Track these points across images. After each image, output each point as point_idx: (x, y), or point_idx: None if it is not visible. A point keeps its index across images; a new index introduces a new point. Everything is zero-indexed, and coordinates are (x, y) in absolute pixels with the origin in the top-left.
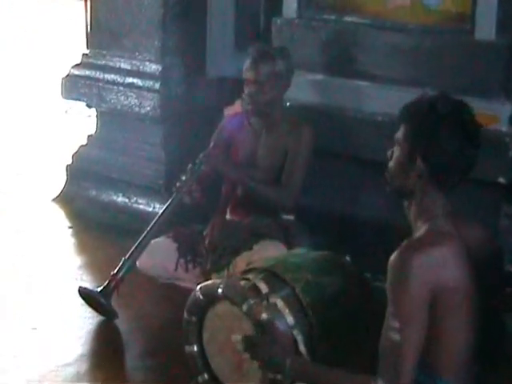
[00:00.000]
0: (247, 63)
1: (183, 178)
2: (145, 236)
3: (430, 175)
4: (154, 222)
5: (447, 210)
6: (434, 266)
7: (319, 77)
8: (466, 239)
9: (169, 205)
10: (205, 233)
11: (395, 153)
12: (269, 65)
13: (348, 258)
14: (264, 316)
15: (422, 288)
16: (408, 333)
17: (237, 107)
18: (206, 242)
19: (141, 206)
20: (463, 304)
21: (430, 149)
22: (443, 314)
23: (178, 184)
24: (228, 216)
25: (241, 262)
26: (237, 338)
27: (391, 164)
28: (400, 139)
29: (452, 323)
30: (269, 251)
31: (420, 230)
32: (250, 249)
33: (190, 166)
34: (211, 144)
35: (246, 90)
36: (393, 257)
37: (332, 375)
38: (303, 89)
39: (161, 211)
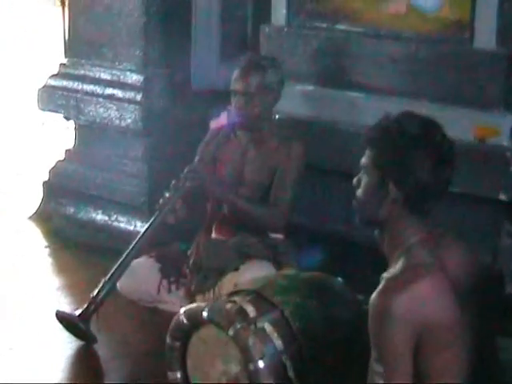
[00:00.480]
0: (236, 74)
1: (166, 195)
2: (126, 256)
3: (404, 200)
4: (135, 241)
5: (425, 235)
6: (417, 305)
7: (310, 88)
8: (450, 262)
9: (151, 223)
10: (189, 252)
11: (363, 180)
12: (259, 76)
13: (340, 280)
14: (251, 341)
15: (406, 331)
16: (392, 377)
17: (223, 120)
18: (191, 262)
19: (121, 225)
20: (454, 339)
21: (402, 173)
22: (433, 352)
23: (161, 201)
24: (213, 235)
25: (227, 284)
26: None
27: (360, 192)
28: (368, 165)
29: (443, 360)
30: (256, 272)
31: (397, 263)
32: (237, 269)
33: (173, 182)
34: (196, 159)
35: (234, 102)
36: (372, 299)
37: None
38: (293, 100)
39: (143, 230)
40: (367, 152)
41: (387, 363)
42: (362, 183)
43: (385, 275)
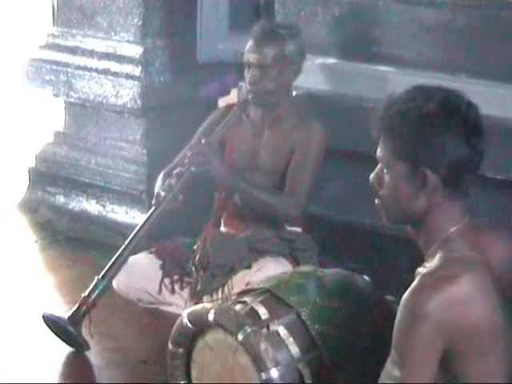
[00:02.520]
0: (250, 43)
1: (170, 182)
2: (122, 251)
3: (444, 184)
4: (133, 234)
5: (464, 224)
6: (455, 306)
7: (332, 61)
8: (491, 256)
9: (151, 214)
10: (195, 248)
11: (387, 176)
12: (277, 46)
13: (366, 278)
14: (263, 347)
15: (438, 334)
16: None
17: (233, 97)
18: (197, 258)
19: (118, 216)
20: (493, 345)
21: (435, 155)
22: (468, 360)
23: (161, 191)
24: (222, 228)
25: (238, 283)
26: None
27: (385, 191)
28: (389, 158)
29: (479, 368)
30: (271, 270)
31: (434, 257)
32: (249, 267)
33: (177, 170)
34: (202, 141)
35: (247, 76)
36: (405, 296)
37: None
38: (313, 75)
39: (141, 223)
40: (384, 143)
41: (407, 368)
42: (385, 180)
43: (420, 270)
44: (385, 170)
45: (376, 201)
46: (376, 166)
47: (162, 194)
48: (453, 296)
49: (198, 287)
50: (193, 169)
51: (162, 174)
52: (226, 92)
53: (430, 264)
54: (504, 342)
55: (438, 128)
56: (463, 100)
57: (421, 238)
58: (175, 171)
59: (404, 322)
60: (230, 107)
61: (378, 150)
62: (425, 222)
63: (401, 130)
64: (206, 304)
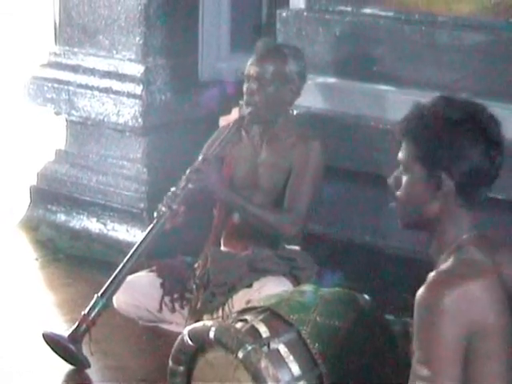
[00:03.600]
0: (252, 58)
1: (167, 199)
2: (121, 269)
3: (457, 191)
4: (132, 252)
5: (475, 234)
6: (469, 303)
7: (332, 80)
8: (502, 265)
9: (150, 232)
10: (195, 266)
11: (405, 178)
12: (278, 63)
13: (366, 297)
14: (263, 365)
15: (457, 329)
16: (439, 381)
17: (234, 116)
18: (197, 277)
19: (119, 234)
20: (501, 348)
21: (453, 159)
22: (479, 360)
23: (161, 208)
24: (222, 247)
25: (238, 302)
26: None
27: (402, 193)
28: (408, 160)
29: (489, 369)
30: (272, 289)
31: (446, 261)
32: (249, 286)
33: (176, 186)
34: (200, 158)
35: (245, 88)
36: (420, 293)
37: None
38: (312, 94)
39: (140, 239)
40: (405, 146)
41: (434, 364)
42: (403, 182)
43: (433, 272)
44: (403, 172)
45: (393, 204)
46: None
47: (163, 209)
48: (467, 293)
49: (199, 306)
50: (191, 186)
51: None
52: (226, 111)
53: (444, 265)
54: (507, 349)
55: (458, 134)
56: (486, 112)
57: (433, 243)
58: (172, 188)
59: (423, 319)
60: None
61: (400, 152)
62: (437, 228)
63: (422, 132)
64: (206, 322)
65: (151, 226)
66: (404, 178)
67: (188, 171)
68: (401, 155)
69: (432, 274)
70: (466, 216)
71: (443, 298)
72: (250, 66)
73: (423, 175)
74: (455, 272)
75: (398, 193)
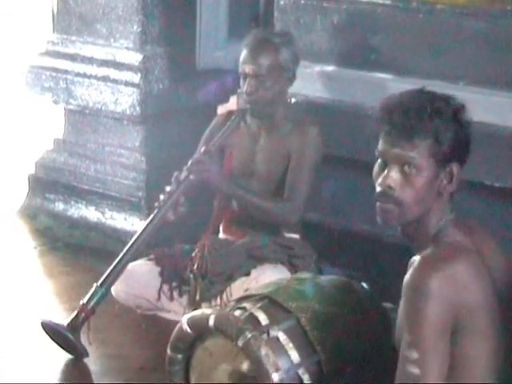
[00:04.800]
0: (244, 54)
1: (168, 189)
2: (121, 258)
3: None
4: (132, 241)
5: (453, 217)
6: (456, 286)
7: (330, 68)
8: (481, 247)
9: (150, 221)
10: (193, 254)
11: (418, 177)
12: (271, 55)
13: (364, 285)
14: (263, 352)
15: (444, 312)
16: (429, 365)
17: (231, 105)
18: (195, 265)
19: (117, 223)
20: (488, 325)
21: (463, 148)
22: (467, 340)
23: (161, 197)
24: (221, 235)
25: (236, 290)
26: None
27: (412, 193)
28: (422, 157)
29: (477, 349)
30: (270, 277)
31: (429, 245)
32: (248, 274)
33: (175, 175)
34: (201, 149)
35: (244, 86)
36: (407, 277)
37: None
38: (311, 82)
39: (140, 229)
40: (418, 143)
41: (423, 346)
42: (413, 181)
43: (414, 258)
44: (413, 170)
45: (389, 207)
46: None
47: (161, 200)
48: (452, 274)
49: (197, 294)
50: (192, 177)
51: None
52: (224, 99)
53: (427, 250)
54: (497, 323)
55: (460, 123)
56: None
57: (417, 234)
58: (174, 177)
59: (410, 302)
60: (230, 114)
61: (410, 150)
62: (425, 218)
63: (439, 127)
64: (205, 310)
65: (151, 216)
66: (414, 177)
67: (190, 162)
68: (411, 154)
69: (418, 258)
70: (448, 201)
71: (430, 280)
72: (244, 64)
73: (434, 171)
74: (440, 255)
75: (403, 194)
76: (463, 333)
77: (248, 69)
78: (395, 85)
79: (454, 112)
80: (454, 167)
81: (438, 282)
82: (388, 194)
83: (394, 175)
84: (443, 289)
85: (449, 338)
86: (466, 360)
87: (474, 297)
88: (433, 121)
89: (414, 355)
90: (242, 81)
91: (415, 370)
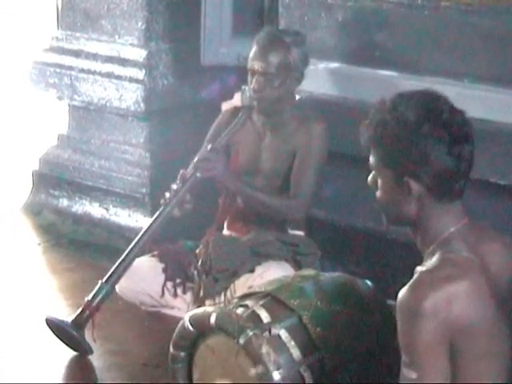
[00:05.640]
0: (254, 51)
1: (174, 187)
2: (126, 256)
3: (429, 193)
4: (137, 238)
5: (462, 225)
6: (452, 305)
7: (335, 65)
8: (489, 258)
9: (156, 219)
10: (197, 251)
11: (379, 181)
12: (281, 54)
13: (368, 283)
14: (264, 350)
15: (438, 330)
16: (427, 380)
17: (236, 101)
18: (199, 262)
19: (121, 219)
20: (490, 348)
21: (416, 166)
22: (465, 362)
23: (167, 194)
24: (225, 231)
25: (240, 287)
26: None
27: (379, 194)
28: (378, 165)
29: (476, 371)
30: (274, 274)
31: (432, 257)
32: (252, 271)
33: (181, 172)
34: (208, 146)
35: (252, 84)
36: (402, 294)
37: None
38: (316, 79)
39: (146, 226)
40: (372, 151)
41: (419, 367)
42: (378, 184)
43: (419, 268)
44: (377, 175)
45: (375, 204)
46: None
47: (167, 197)
48: (449, 295)
49: (201, 291)
50: (198, 174)
51: None
52: (228, 95)
53: (428, 263)
54: (500, 344)
55: (418, 138)
56: (446, 106)
57: (418, 238)
58: (179, 174)
59: (404, 321)
60: (236, 111)
61: (371, 156)
62: (420, 225)
63: (383, 140)
64: (207, 307)
65: (157, 213)
66: (379, 182)
67: (196, 159)
68: (371, 160)
69: (415, 275)
70: (448, 210)
71: (425, 300)
72: (253, 60)
73: (393, 181)
74: (438, 273)
75: (377, 194)
76: (463, 356)
77: (257, 66)
78: (400, 82)
79: (403, 124)
80: (411, 182)
81: (432, 303)
82: (373, 193)
83: (369, 177)
84: (438, 310)
85: (447, 358)
86: (466, 382)
87: (474, 320)
88: (377, 132)
89: (413, 375)
90: (249, 77)
91: None
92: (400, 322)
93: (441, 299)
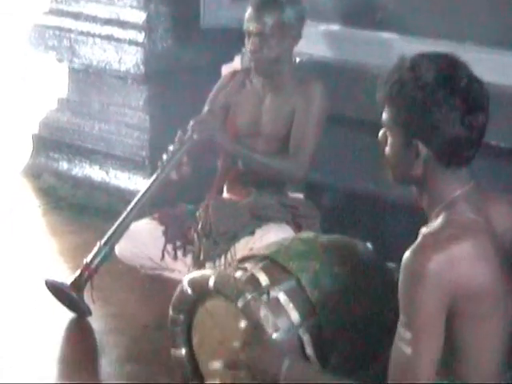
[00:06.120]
0: (249, 12)
1: (171, 149)
2: (124, 218)
3: (437, 158)
4: (135, 200)
5: (468, 189)
6: (456, 269)
7: (335, 27)
8: (495, 221)
9: (154, 181)
10: (197, 214)
11: (389, 139)
12: (275, 14)
13: (368, 245)
14: (262, 313)
15: (440, 296)
16: (422, 345)
17: (236, 64)
18: (199, 225)
19: (120, 182)
20: (493, 310)
21: (427, 129)
22: (468, 323)
23: (164, 156)
24: (225, 195)
25: (240, 250)
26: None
27: (388, 151)
28: (390, 124)
29: (480, 332)
30: (274, 236)
31: (437, 218)
32: (252, 233)
33: (179, 134)
34: (205, 109)
35: (248, 45)
36: (406, 256)
37: None
38: (316, 41)
39: (144, 189)
40: (386, 109)
41: (416, 328)
42: (388, 142)
43: (423, 230)
44: (387, 132)
45: (383, 160)
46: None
47: (164, 160)
48: (453, 256)
49: (201, 254)
50: (195, 136)
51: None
52: (228, 58)
53: (433, 225)
54: (503, 306)
55: (432, 102)
56: (465, 74)
57: (424, 200)
58: (177, 136)
59: (407, 282)
60: (235, 74)
61: (384, 113)
62: (426, 187)
63: (398, 99)
64: (206, 271)
65: (155, 175)
66: (388, 139)
67: (193, 121)
68: (384, 117)
69: (419, 237)
70: (455, 175)
71: (428, 263)
72: (248, 22)
73: (402, 141)
74: (442, 235)
75: (385, 151)
76: (463, 317)
77: (252, 27)
78: (400, 44)
79: (420, 87)
80: (419, 145)
81: (436, 265)
82: (382, 150)
83: (380, 133)
84: (441, 273)
85: (443, 321)
86: (467, 345)
87: (477, 281)
88: (393, 90)
89: (408, 335)
90: (246, 39)
91: (407, 350)
92: (402, 282)
93: (444, 261)
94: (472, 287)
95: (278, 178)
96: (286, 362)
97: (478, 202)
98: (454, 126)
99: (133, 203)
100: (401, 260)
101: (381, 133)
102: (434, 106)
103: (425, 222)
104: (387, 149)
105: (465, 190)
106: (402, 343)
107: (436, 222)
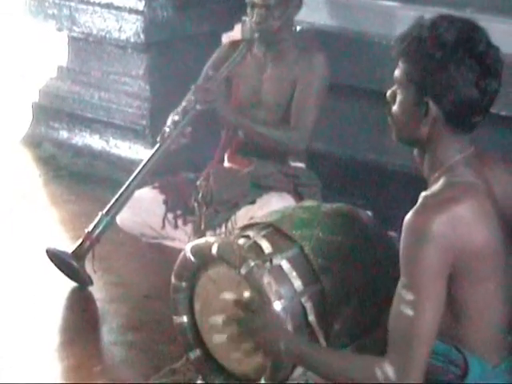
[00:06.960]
0: None
1: (176, 118)
2: (126, 187)
3: (445, 118)
4: (137, 170)
5: (469, 153)
6: (458, 229)
7: None
8: (495, 186)
9: (156, 151)
10: (198, 183)
11: (399, 96)
12: None
13: (369, 213)
14: (266, 281)
15: (442, 256)
16: (424, 307)
17: (236, 33)
18: (200, 194)
19: (121, 151)
20: (494, 271)
21: (441, 88)
22: (469, 284)
23: (166, 127)
24: (226, 164)
25: (241, 218)
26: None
27: (395, 109)
28: (402, 80)
29: (481, 294)
30: (275, 205)
31: (437, 183)
32: (253, 202)
33: (183, 105)
34: (208, 79)
35: (253, 17)
36: (408, 217)
37: (331, 358)
38: (317, 10)
39: (146, 158)
40: (400, 65)
41: (418, 289)
42: (397, 99)
43: (423, 194)
44: (398, 90)
45: (388, 118)
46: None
47: (167, 130)
48: (455, 217)
49: (202, 223)
50: (198, 106)
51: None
52: (229, 27)
53: (433, 188)
54: (503, 268)
55: (450, 61)
56: (484, 38)
57: (425, 163)
58: (179, 108)
59: (408, 244)
60: (235, 43)
61: (396, 69)
62: (429, 149)
63: (415, 55)
64: (209, 238)
65: (157, 146)
66: (398, 97)
67: (194, 89)
68: (396, 73)
69: (420, 199)
70: (458, 139)
71: (430, 223)
72: None
73: (413, 98)
74: (443, 196)
75: (393, 109)
76: (464, 277)
77: None
78: (401, 12)
79: (439, 45)
80: (431, 103)
81: (438, 226)
82: (388, 108)
83: (389, 91)
84: (443, 233)
85: (445, 283)
86: (468, 304)
87: (478, 241)
88: (411, 46)
89: (409, 296)
90: (249, 10)
91: (409, 311)
92: (405, 243)
93: (446, 221)
94: (473, 248)
95: (279, 149)
96: (283, 342)
97: (478, 165)
98: (468, 87)
99: (135, 173)
100: (401, 228)
101: (389, 91)
102: (451, 65)
103: (425, 189)
104: (395, 107)
105: (465, 155)
106: (404, 305)
107: (436, 185)
